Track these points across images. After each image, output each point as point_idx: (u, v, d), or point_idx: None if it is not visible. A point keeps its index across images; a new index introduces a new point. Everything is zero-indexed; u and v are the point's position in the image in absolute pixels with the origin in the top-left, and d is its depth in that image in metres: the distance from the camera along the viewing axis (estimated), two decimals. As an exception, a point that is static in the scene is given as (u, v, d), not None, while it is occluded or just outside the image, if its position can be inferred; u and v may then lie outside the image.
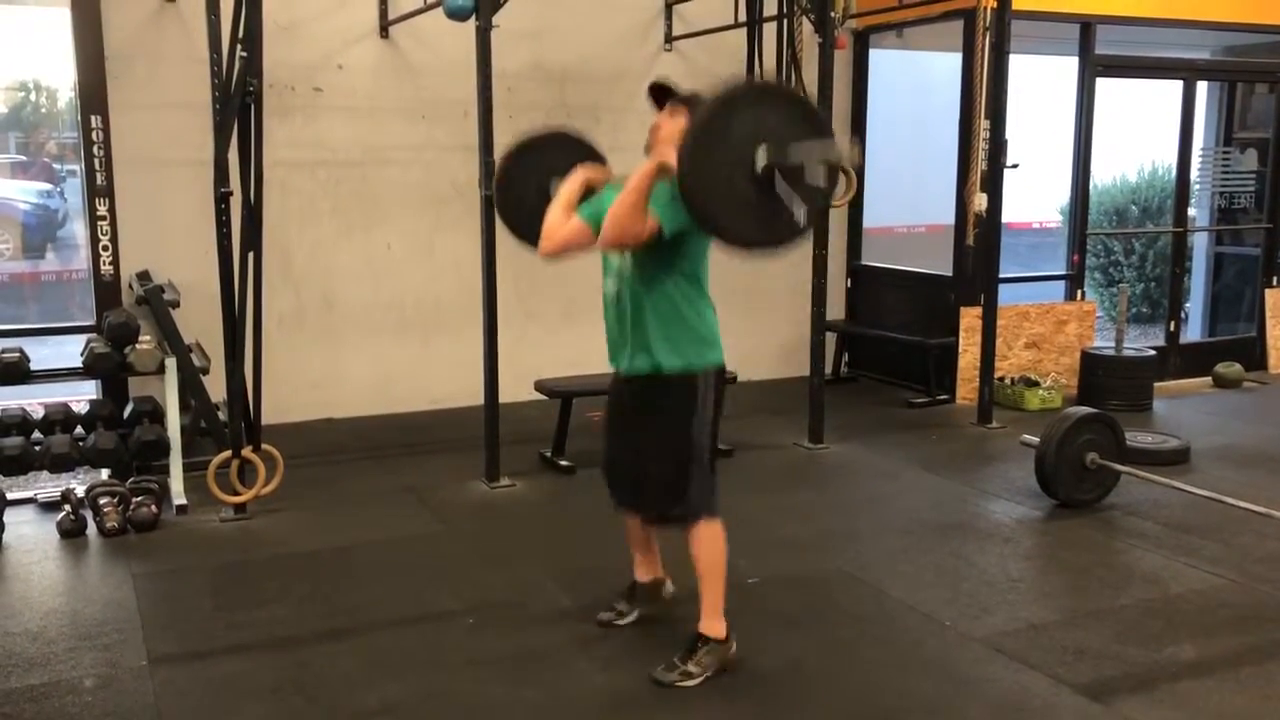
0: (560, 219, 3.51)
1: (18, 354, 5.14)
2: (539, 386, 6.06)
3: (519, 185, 4.09)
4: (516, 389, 6.22)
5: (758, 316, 7.89)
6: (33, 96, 8.81)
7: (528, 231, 4.01)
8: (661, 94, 3.47)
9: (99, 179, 5.60)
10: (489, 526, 5.06)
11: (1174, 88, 8.12)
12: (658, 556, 3.91)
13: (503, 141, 5.32)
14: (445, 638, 3.86)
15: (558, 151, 4.06)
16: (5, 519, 4.88)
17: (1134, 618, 4.02)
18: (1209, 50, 8.74)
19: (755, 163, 3.12)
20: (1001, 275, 6.93)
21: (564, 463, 5.82)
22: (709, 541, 3.51)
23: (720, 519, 3.55)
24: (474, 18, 5.24)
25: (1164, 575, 4.42)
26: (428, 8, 6.04)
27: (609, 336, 3.60)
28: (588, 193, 3.61)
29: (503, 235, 5.45)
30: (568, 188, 3.61)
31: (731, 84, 3.17)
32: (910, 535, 4.92)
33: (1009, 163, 6.75)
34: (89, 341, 5.36)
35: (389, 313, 6.95)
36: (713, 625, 3.53)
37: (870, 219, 8.24)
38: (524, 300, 7.14)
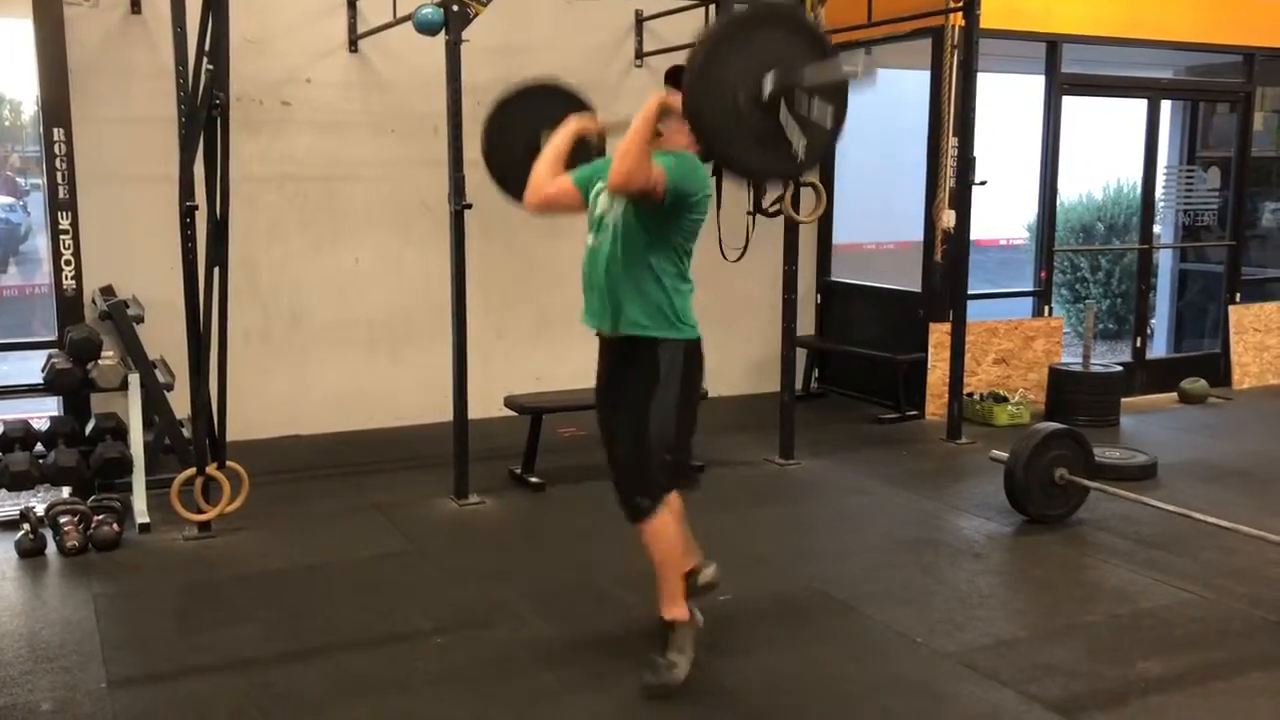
0: (546, 173, 3.48)
1: (-24, 370, 5.06)
2: (509, 402, 6.02)
3: (508, 136, 4.09)
4: (486, 405, 6.18)
5: (728, 332, 7.88)
6: (-5, 109, 8.70)
7: (515, 186, 4.00)
8: (676, 76, 3.41)
9: (61, 193, 5.52)
10: (458, 545, 5.01)
11: (1139, 106, 8.22)
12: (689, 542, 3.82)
13: (472, 157, 5.33)
14: (413, 658, 3.81)
15: (547, 103, 4.06)
16: (-38, 538, 4.79)
17: (1104, 633, 4.03)
18: (1173, 70, 8.86)
19: (762, 88, 3.08)
20: (970, 291, 6.97)
21: (534, 480, 5.78)
22: (662, 533, 3.48)
23: (666, 507, 3.49)
24: (444, 32, 5.23)
25: (1133, 590, 4.44)
26: (397, 22, 6.01)
27: (584, 289, 3.56)
28: (578, 144, 3.60)
29: (472, 251, 5.47)
30: (558, 139, 3.58)
31: (741, 7, 3.14)
32: (881, 551, 4.92)
33: (977, 180, 6.80)
34: (50, 357, 5.28)
35: (357, 328, 6.90)
36: (676, 610, 3.55)
37: (840, 235, 8.27)
38: (493, 316, 7.11)
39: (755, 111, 3.11)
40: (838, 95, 3.22)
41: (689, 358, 3.51)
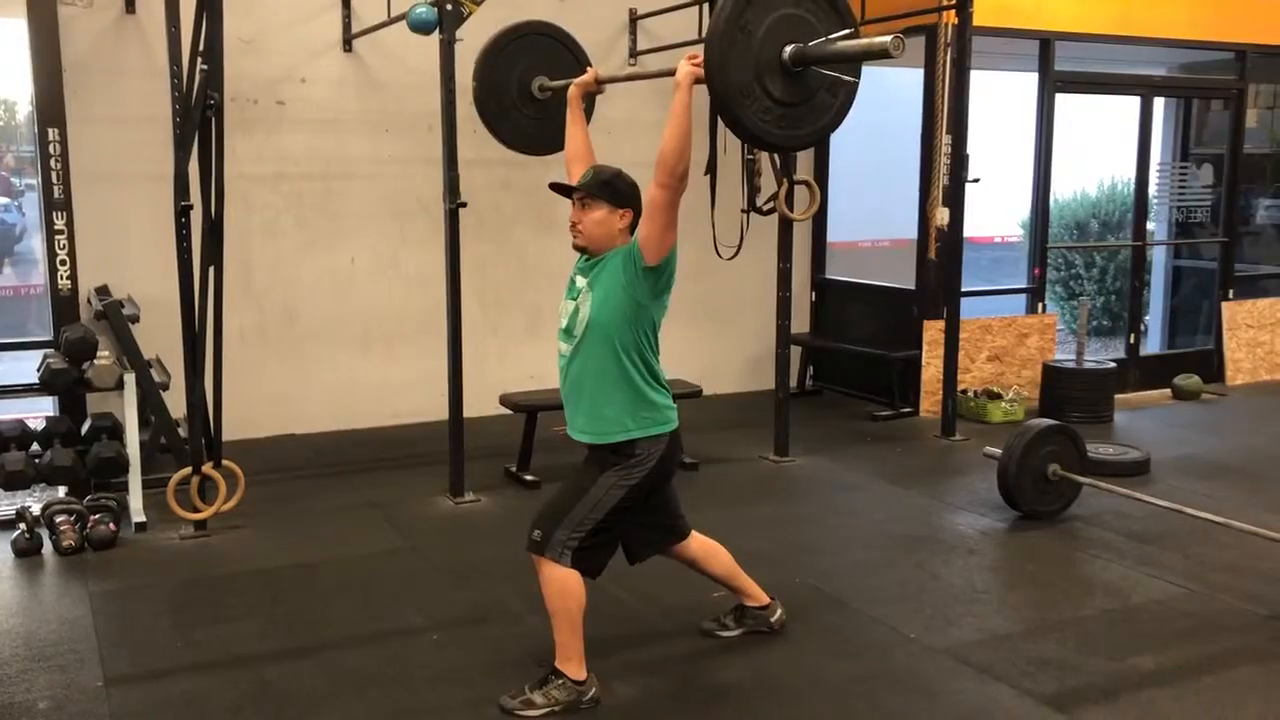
0: (569, 144, 3.79)
1: (-28, 370, 5.07)
2: (504, 400, 6.03)
3: (499, 78, 4.21)
4: (481, 403, 6.20)
5: (723, 330, 7.91)
6: (-10, 109, 8.69)
7: (504, 130, 4.05)
8: (563, 190, 3.51)
9: (56, 192, 5.53)
10: (453, 542, 5.03)
11: (1132, 104, 8.24)
12: (747, 582, 3.93)
13: (466, 156, 5.35)
14: (409, 655, 3.82)
15: (537, 48, 4.17)
16: (-42, 538, 4.79)
17: (1096, 628, 4.05)
18: (1165, 67, 8.88)
19: (782, 56, 3.15)
20: (964, 289, 6.99)
21: (529, 477, 5.79)
22: (553, 585, 3.41)
23: (574, 571, 3.42)
24: (438, 31, 5.23)
25: (1125, 586, 4.46)
26: (391, 21, 6.02)
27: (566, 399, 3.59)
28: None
29: (467, 249, 5.48)
30: (572, 109, 3.83)
31: None
32: (875, 548, 4.93)
33: (970, 177, 6.82)
34: (46, 357, 5.28)
35: (352, 327, 6.90)
36: (566, 665, 3.43)
37: (834, 233, 8.29)
38: (488, 314, 7.13)
39: (779, 80, 3.16)
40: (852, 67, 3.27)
41: (667, 451, 3.47)
